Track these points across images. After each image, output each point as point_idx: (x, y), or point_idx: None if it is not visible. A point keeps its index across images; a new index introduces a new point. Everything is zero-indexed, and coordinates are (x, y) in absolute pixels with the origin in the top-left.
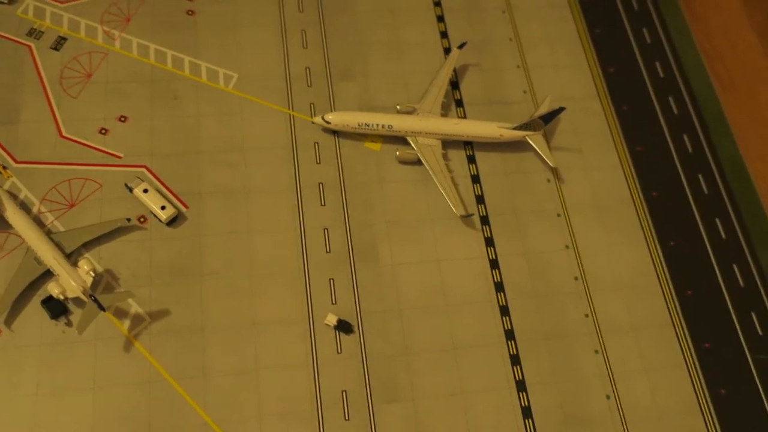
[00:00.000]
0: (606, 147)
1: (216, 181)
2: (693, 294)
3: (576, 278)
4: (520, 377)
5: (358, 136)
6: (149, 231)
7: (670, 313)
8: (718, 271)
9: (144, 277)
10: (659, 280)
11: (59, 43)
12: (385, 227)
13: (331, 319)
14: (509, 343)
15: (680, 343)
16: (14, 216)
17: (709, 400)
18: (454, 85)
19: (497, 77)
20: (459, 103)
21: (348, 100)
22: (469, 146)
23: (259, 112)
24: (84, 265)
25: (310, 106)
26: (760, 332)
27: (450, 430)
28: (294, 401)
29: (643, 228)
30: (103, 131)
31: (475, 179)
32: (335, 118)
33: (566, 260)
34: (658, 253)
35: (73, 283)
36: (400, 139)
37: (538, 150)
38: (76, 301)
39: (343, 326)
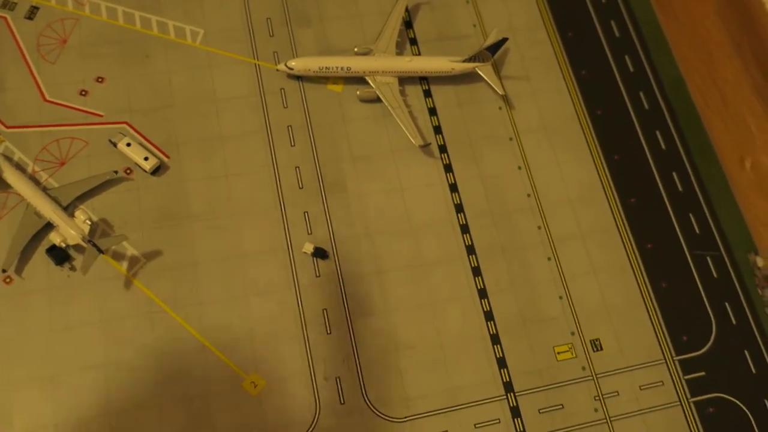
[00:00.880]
0: (552, 73)
1: (192, 132)
2: (636, 201)
3: (528, 195)
4: (482, 286)
5: (321, 79)
6: (136, 181)
7: (615, 220)
8: (658, 179)
9: (135, 223)
10: (605, 191)
11: (32, 12)
12: (351, 161)
13: (308, 247)
14: (470, 257)
15: (625, 246)
16: (12, 176)
17: (652, 293)
18: (408, 24)
19: (448, 13)
20: (413, 41)
21: (308, 46)
22: (425, 81)
23: (227, 63)
24: (80, 215)
25: (274, 55)
26: (697, 231)
27: (421, 336)
28: (281, 321)
29: (589, 145)
30: (83, 92)
31: (432, 111)
32: (297, 64)
33: (519, 180)
34: (603, 167)
35: (72, 232)
36: (360, 80)
37: (488, 80)
38: (77, 248)
39: (320, 253)
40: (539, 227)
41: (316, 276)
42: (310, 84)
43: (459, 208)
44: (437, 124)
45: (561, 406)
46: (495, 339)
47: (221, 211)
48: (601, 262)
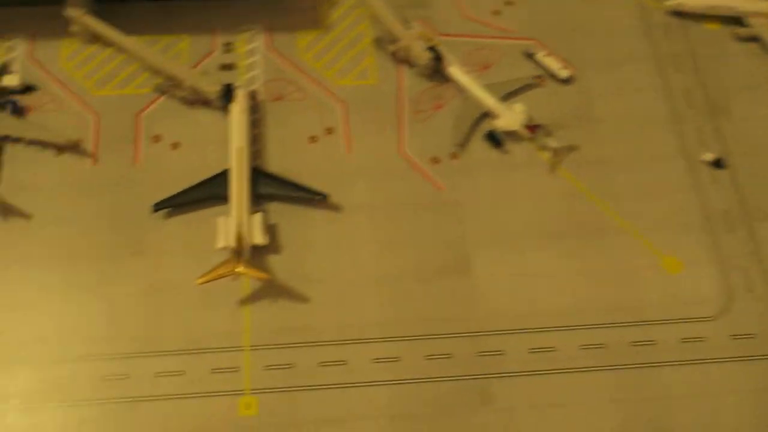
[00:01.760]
0: None
1: (590, 52)
2: None
3: None
4: None
5: (699, 18)
6: (547, 88)
7: None
8: None
9: (552, 122)
10: None
11: None
12: (736, 90)
13: (709, 156)
14: None
15: None
16: (454, 71)
17: None
18: None
19: None
20: None
21: None
22: None
23: None
24: (517, 107)
25: None
26: None
27: None
28: (683, 215)
29: None
30: (496, 12)
31: None
32: (688, 2)
33: None
34: None
35: (513, 119)
36: (735, 20)
37: None
38: (510, 134)
39: (718, 163)
40: None
41: (714, 182)
42: (691, 21)
43: None
44: None
45: None
46: None
47: (623, 119)
48: None
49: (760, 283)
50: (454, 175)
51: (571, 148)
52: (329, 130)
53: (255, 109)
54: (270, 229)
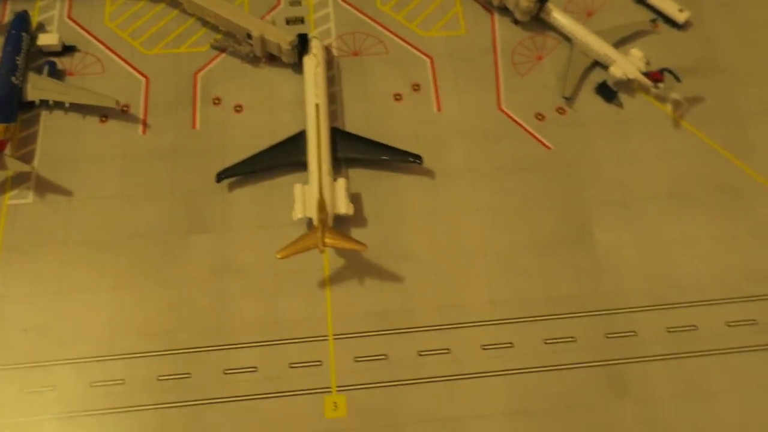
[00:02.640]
0: None
1: None
2: None
3: None
4: None
5: None
6: (664, 34)
7: None
8: None
9: (669, 79)
10: None
11: None
12: None
13: None
14: None
15: None
16: (558, 16)
17: None
18: None
19: None
20: None
21: None
22: None
23: None
24: (636, 52)
25: None
26: None
27: None
28: None
29: None
30: None
31: None
32: None
33: None
34: None
35: (630, 67)
36: None
37: None
38: (625, 86)
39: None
40: None
41: None
42: None
43: None
44: None
45: None
46: None
47: (754, 66)
48: None
49: None
50: (563, 133)
51: (693, 100)
52: (416, 87)
53: (330, 66)
54: (354, 199)
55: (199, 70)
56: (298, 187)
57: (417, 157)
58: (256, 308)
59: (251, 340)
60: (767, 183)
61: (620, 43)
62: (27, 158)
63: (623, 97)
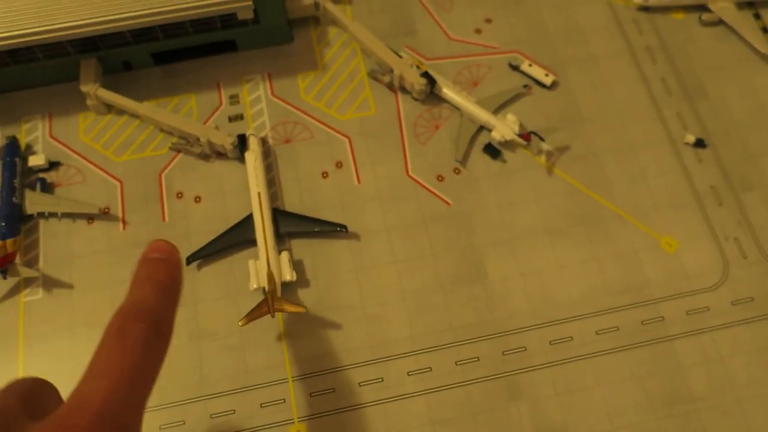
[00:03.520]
0: None
1: (568, 54)
2: None
3: None
4: None
5: (665, 9)
6: (535, 95)
7: None
8: None
9: (543, 126)
10: None
11: None
12: (706, 70)
13: (690, 138)
14: None
15: None
16: (448, 92)
17: None
18: None
19: None
20: None
21: None
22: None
23: (584, 2)
24: (510, 116)
25: None
26: None
27: None
28: (678, 196)
29: None
30: (478, 31)
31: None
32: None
33: None
34: None
35: (508, 129)
36: (700, 7)
37: None
38: (506, 145)
39: (699, 143)
40: None
41: (699, 161)
42: (657, 14)
43: None
44: None
45: None
46: None
47: (606, 113)
48: None
49: (752, 249)
50: (459, 189)
51: (562, 149)
52: (339, 164)
53: (267, 154)
54: (297, 266)
55: (163, 170)
56: (251, 263)
57: (343, 227)
58: (229, 363)
59: (228, 389)
60: (621, 212)
61: (502, 107)
62: (33, 261)
63: (506, 153)
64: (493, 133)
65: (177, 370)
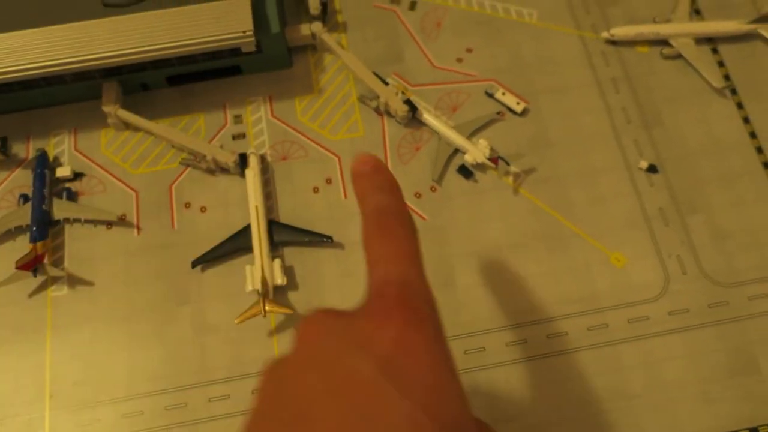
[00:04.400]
0: None
1: (542, 84)
2: None
3: None
4: None
5: (631, 43)
6: (508, 121)
7: None
8: None
9: (513, 150)
10: None
11: (413, 5)
12: (665, 101)
13: (643, 164)
14: None
15: None
16: (428, 117)
17: None
18: None
19: None
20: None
21: (617, 17)
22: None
23: (557, 35)
24: (482, 141)
25: (592, 26)
26: None
27: (740, 223)
28: (630, 217)
29: None
30: (459, 60)
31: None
32: (618, 32)
33: None
34: None
35: (479, 152)
36: (662, 42)
37: None
38: (479, 167)
39: (652, 168)
40: None
41: (650, 185)
42: (623, 47)
43: None
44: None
45: None
46: None
47: (572, 139)
48: None
49: (691, 266)
50: (434, 206)
51: (528, 171)
52: (329, 181)
53: (265, 170)
54: (288, 271)
55: (173, 182)
56: (248, 268)
57: (329, 238)
58: (227, 354)
59: (225, 377)
60: (578, 230)
61: (477, 131)
62: (59, 261)
63: (478, 174)
64: (467, 156)
65: (182, 359)
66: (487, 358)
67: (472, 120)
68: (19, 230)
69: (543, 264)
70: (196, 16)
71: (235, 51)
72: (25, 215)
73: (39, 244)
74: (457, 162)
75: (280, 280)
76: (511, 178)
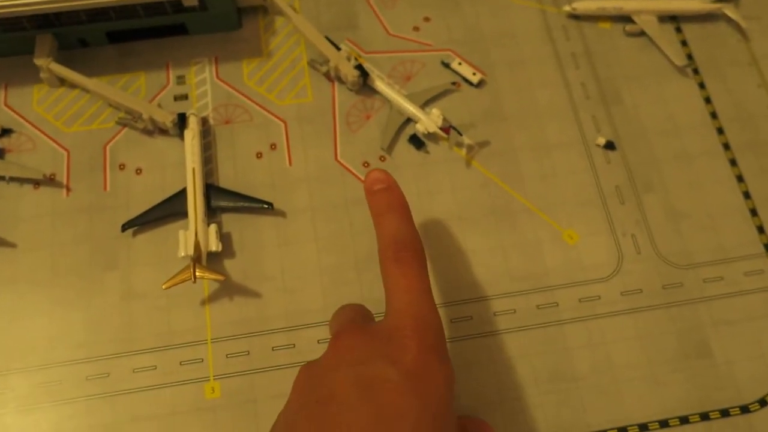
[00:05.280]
0: None
1: (499, 57)
2: None
3: None
4: None
5: (594, 18)
6: (463, 92)
7: None
8: None
9: (467, 121)
10: None
11: None
12: (625, 80)
13: (600, 141)
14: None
15: None
16: (380, 84)
17: None
18: None
19: None
20: None
21: None
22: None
23: (518, 8)
24: (435, 111)
25: (554, 1)
26: None
27: (693, 205)
28: (584, 194)
29: None
30: (416, 28)
31: (684, 43)
32: (579, 6)
33: None
34: None
35: (431, 122)
36: (625, 18)
37: (735, 18)
38: (430, 137)
39: (609, 145)
40: None
41: (607, 162)
42: (585, 22)
43: None
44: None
45: None
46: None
47: (528, 113)
48: None
49: (645, 245)
50: None
51: (483, 144)
52: (273, 146)
53: (207, 133)
54: (225, 237)
55: (108, 142)
56: (181, 233)
57: (269, 204)
58: (155, 323)
59: (152, 346)
60: (530, 205)
61: (430, 102)
62: None
63: (430, 145)
64: (417, 126)
65: (106, 327)
66: None
67: (426, 89)
68: None
69: (493, 239)
70: None
71: (178, 6)
72: None
73: None
74: (408, 132)
75: (215, 246)
76: (464, 150)
